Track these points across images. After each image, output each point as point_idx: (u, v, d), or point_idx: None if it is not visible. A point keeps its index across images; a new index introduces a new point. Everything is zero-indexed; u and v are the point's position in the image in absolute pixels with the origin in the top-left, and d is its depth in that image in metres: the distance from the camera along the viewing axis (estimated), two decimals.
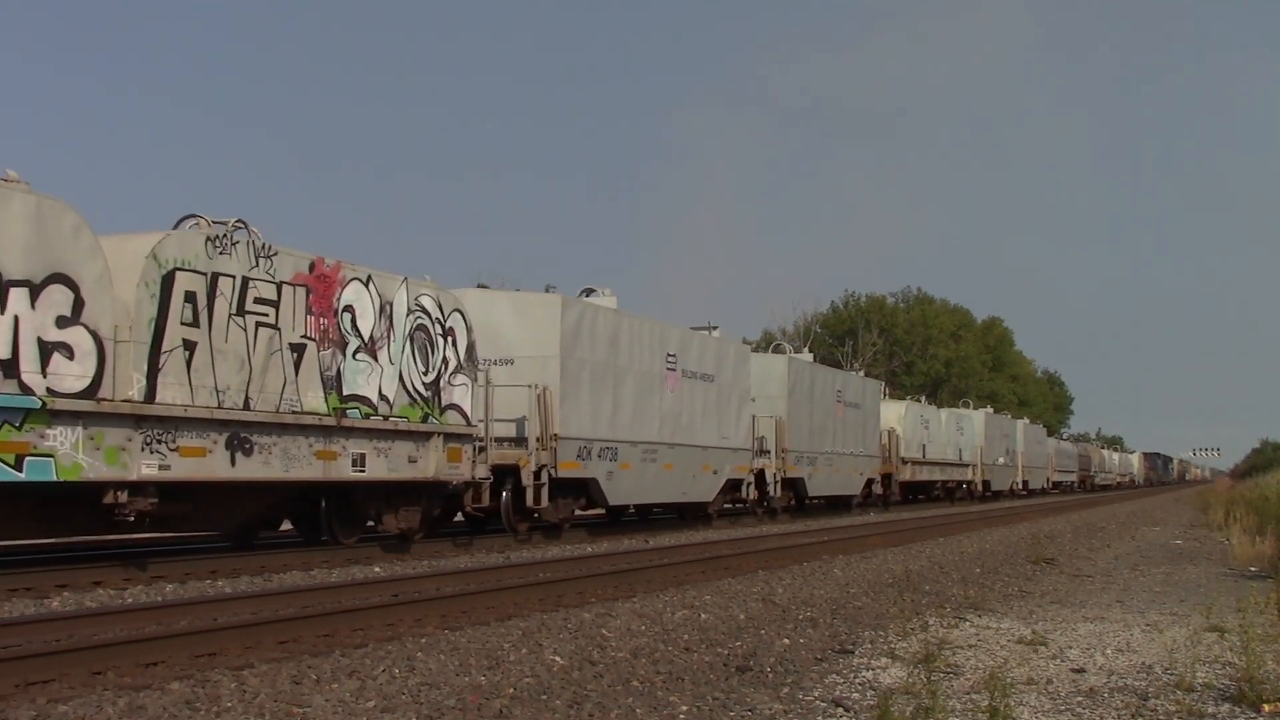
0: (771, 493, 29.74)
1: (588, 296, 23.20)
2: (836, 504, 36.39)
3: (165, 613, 10.10)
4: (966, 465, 50.11)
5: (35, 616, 9.79)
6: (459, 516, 20.87)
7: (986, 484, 52.72)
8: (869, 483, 37.45)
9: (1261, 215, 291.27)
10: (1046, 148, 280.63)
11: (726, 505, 28.81)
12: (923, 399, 50.09)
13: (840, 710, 7.23)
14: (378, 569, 15.36)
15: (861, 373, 40.07)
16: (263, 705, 6.80)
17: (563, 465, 20.30)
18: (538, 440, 19.75)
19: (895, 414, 41.94)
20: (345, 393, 15.61)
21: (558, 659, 8.57)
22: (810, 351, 40.25)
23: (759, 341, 77.21)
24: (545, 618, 10.51)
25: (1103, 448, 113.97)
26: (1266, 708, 7.27)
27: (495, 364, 19.72)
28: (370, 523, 17.51)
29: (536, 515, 20.30)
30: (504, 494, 19.41)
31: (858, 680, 8.21)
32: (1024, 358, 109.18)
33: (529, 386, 19.78)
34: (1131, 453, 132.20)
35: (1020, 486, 60.56)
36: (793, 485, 31.56)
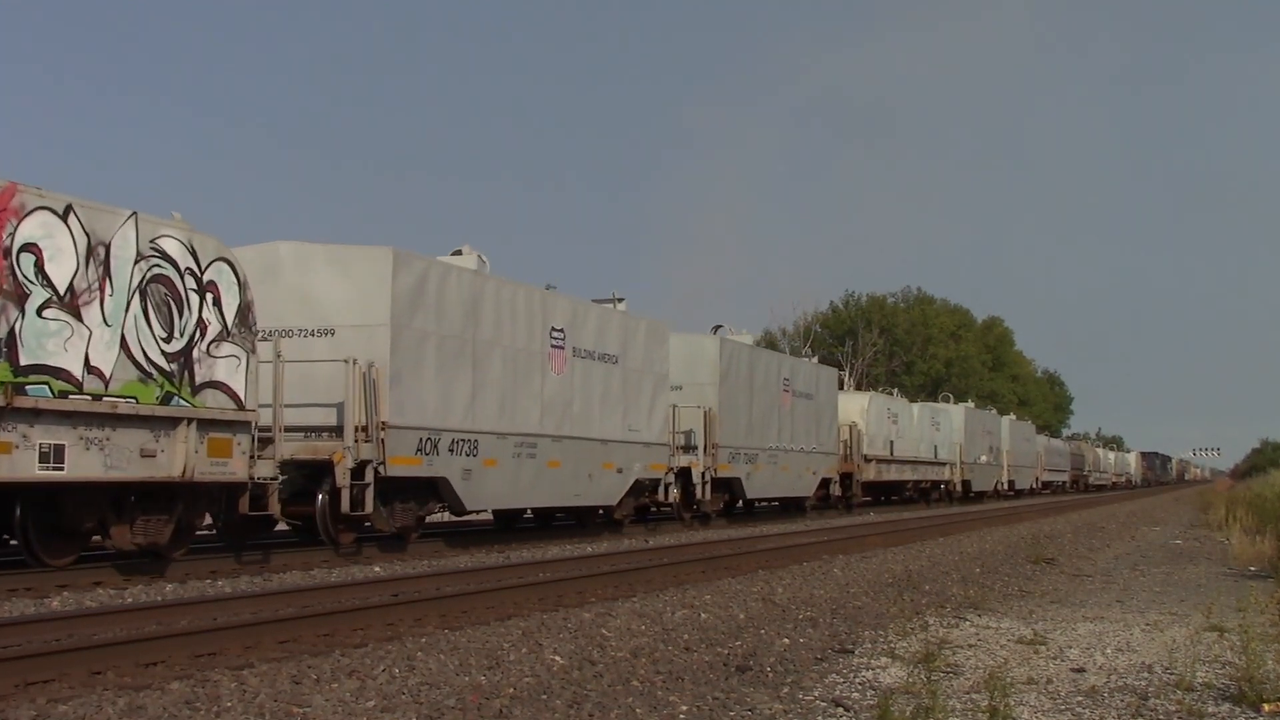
0: (699, 495, 25.98)
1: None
2: (788, 507, 33.54)
3: (165, 613, 10.10)
4: (944, 464, 46.66)
5: (35, 616, 9.78)
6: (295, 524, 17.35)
7: (967, 484, 49.65)
8: (825, 483, 34.00)
9: (1262, 215, 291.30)
10: (1047, 148, 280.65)
11: (654, 510, 26.13)
12: (895, 392, 47.51)
13: (840, 710, 7.23)
14: (378, 569, 15.36)
15: (815, 359, 35.85)
16: (263, 705, 6.80)
17: (394, 461, 16.40)
18: (359, 430, 15.94)
19: (857, 406, 38.41)
20: (24, 362, 11.61)
21: (558, 659, 8.57)
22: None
23: (758, 343, 77.29)
24: (545, 617, 10.51)
25: (1097, 446, 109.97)
26: (1266, 708, 7.26)
27: (313, 335, 16.52)
28: (96, 537, 13.62)
29: (369, 524, 16.91)
30: (320, 497, 15.83)
31: (858, 680, 8.21)
32: (1024, 358, 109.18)
33: (347, 362, 15.90)
34: (1128, 452, 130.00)
35: (1005, 487, 57.45)
36: (727, 486, 27.79)
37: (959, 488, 48.62)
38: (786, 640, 9.83)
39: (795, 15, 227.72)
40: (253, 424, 14.17)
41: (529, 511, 23.32)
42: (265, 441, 14.56)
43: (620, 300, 23.94)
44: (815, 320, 79.25)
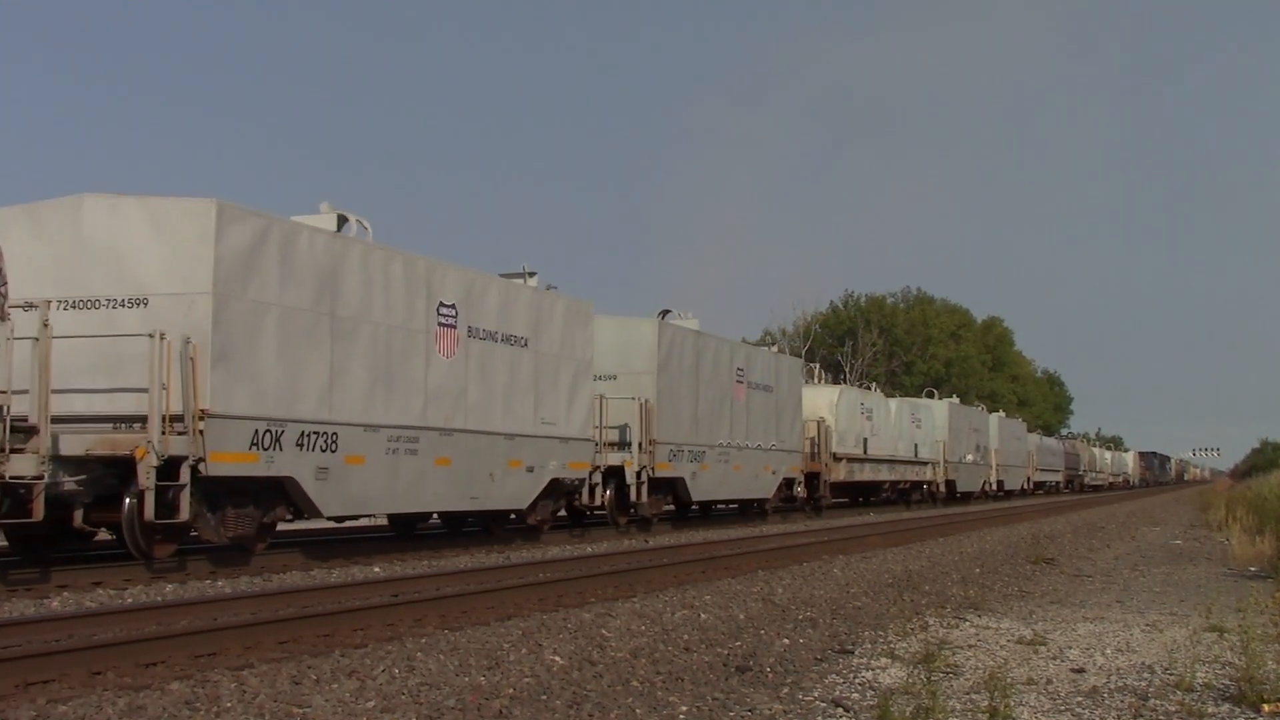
0: (634, 497, 23.24)
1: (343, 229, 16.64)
2: (749, 510, 31.07)
3: (165, 613, 10.10)
4: (925, 463, 43.95)
5: (35, 616, 9.79)
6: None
7: (951, 485, 46.98)
8: (788, 483, 31.30)
9: (1262, 215, 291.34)
10: (1048, 148, 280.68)
11: (590, 514, 23.97)
12: (874, 386, 44.68)
13: (840, 710, 7.23)
14: (378, 569, 15.36)
15: (775, 348, 32.19)
16: (263, 705, 6.80)
17: (219, 457, 13.71)
18: (170, 420, 13.27)
19: (825, 400, 35.43)
20: None
21: (558, 659, 8.57)
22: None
23: (759, 341, 77.54)
24: (545, 618, 10.51)
25: (1093, 445, 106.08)
26: (1266, 708, 7.26)
27: (122, 306, 13.98)
28: None
29: (195, 533, 14.38)
30: (126, 501, 13.25)
31: (858, 680, 8.21)
32: (1024, 358, 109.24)
33: (152, 337, 13.26)
34: (1126, 451, 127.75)
35: (994, 488, 54.74)
36: (670, 488, 25.12)
37: (942, 489, 46.20)
38: (786, 640, 9.83)
39: (795, 15, 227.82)
40: (2, 409, 11.55)
41: (435, 515, 20.59)
42: (30, 432, 12.11)
43: (532, 275, 20.98)
44: (815, 320, 79.26)
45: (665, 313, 26.82)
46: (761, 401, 29.54)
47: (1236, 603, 11.56)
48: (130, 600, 11.56)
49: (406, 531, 20.35)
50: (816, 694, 7.71)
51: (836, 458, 35.06)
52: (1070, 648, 9.77)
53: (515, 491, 19.55)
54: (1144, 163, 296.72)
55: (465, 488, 18.20)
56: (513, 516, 20.64)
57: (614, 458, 22.94)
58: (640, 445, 23.25)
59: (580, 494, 21.70)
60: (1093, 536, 26.08)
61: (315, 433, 15.19)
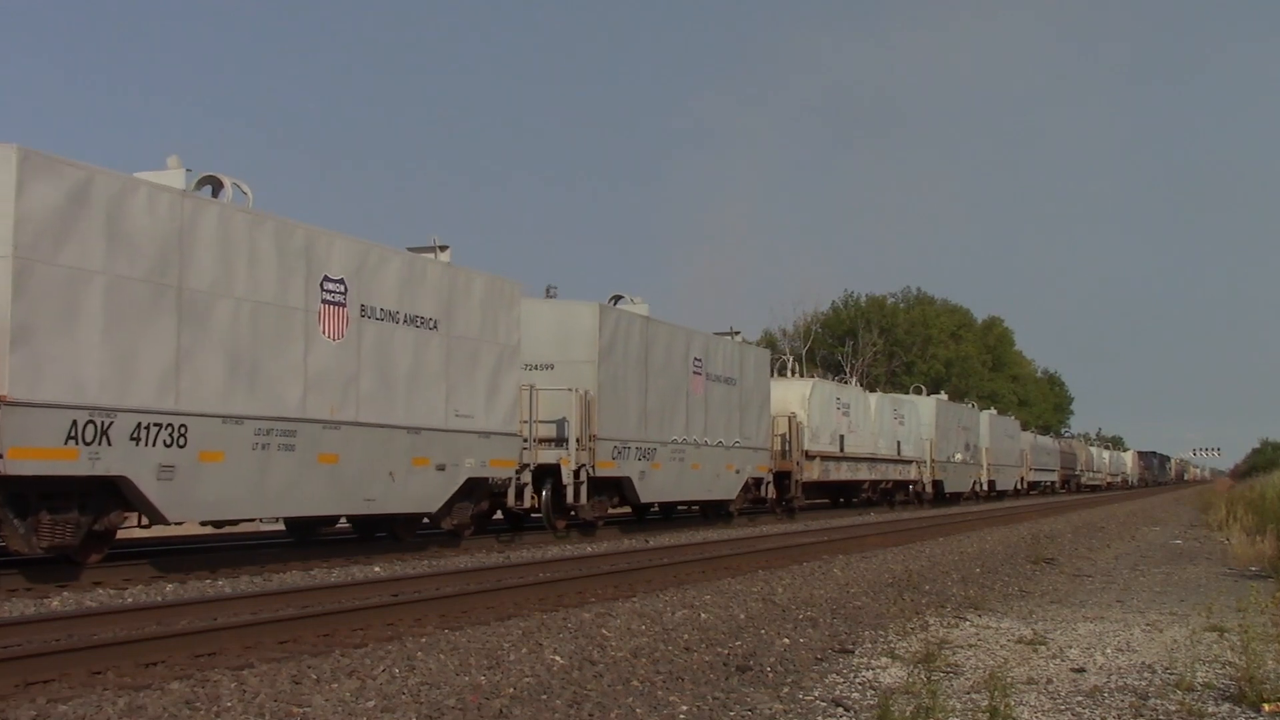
0: (570, 498, 20.85)
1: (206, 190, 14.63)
2: (710, 512, 28.50)
3: (165, 613, 10.10)
4: (909, 462, 41.65)
5: (35, 616, 9.78)
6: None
7: (938, 485, 44.69)
8: (756, 484, 28.96)
9: (1263, 215, 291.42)
10: (1048, 148, 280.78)
11: (530, 516, 21.73)
12: (855, 380, 42.93)
13: (840, 710, 7.23)
14: (378, 569, 15.36)
15: (740, 337, 29.38)
16: (263, 705, 6.80)
17: (21, 454, 11.60)
18: None
19: (797, 395, 33.09)
20: None
21: (558, 659, 8.57)
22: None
23: (759, 342, 77.56)
24: (545, 617, 10.51)
25: (1090, 444, 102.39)
26: (1266, 708, 7.26)
27: None
28: None
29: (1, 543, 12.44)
30: None
31: (858, 680, 8.21)
32: (1024, 358, 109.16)
33: None
34: (1125, 451, 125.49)
35: (985, 488, 52.41)
36: (616, 488, 22.76)
37: (929, 489, 43.93)
38: (786, 640, 9.83)
39: (795, 15, 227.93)
40: None
41: (344, 519, 18.12)
42: None
43: (444, 249, 18.06)
44: (815, 320, 79.25)
45: (617, 298, 24.30)
46: (723, 395, 27.12)
47: (1237, 602, 11.56)
48: (130, 600, 11.56)
49: (306, 538, 17.68)
50: (817, 694, 7.71)
51: (809, 456, 32.64)
52: (1070, 647, 9.77)
53: (422, 493, 17.06)
54: (1144, 163, 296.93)
55: (356, 488, 15.81)
56: (425, 521, 18.39)
57: (548, 455, 20.67)
58: (579, 441, 20.96)
59: (508, 495, 19.47)
60: (1093, 536, 26.07)
61: (156, 425, 13.04)
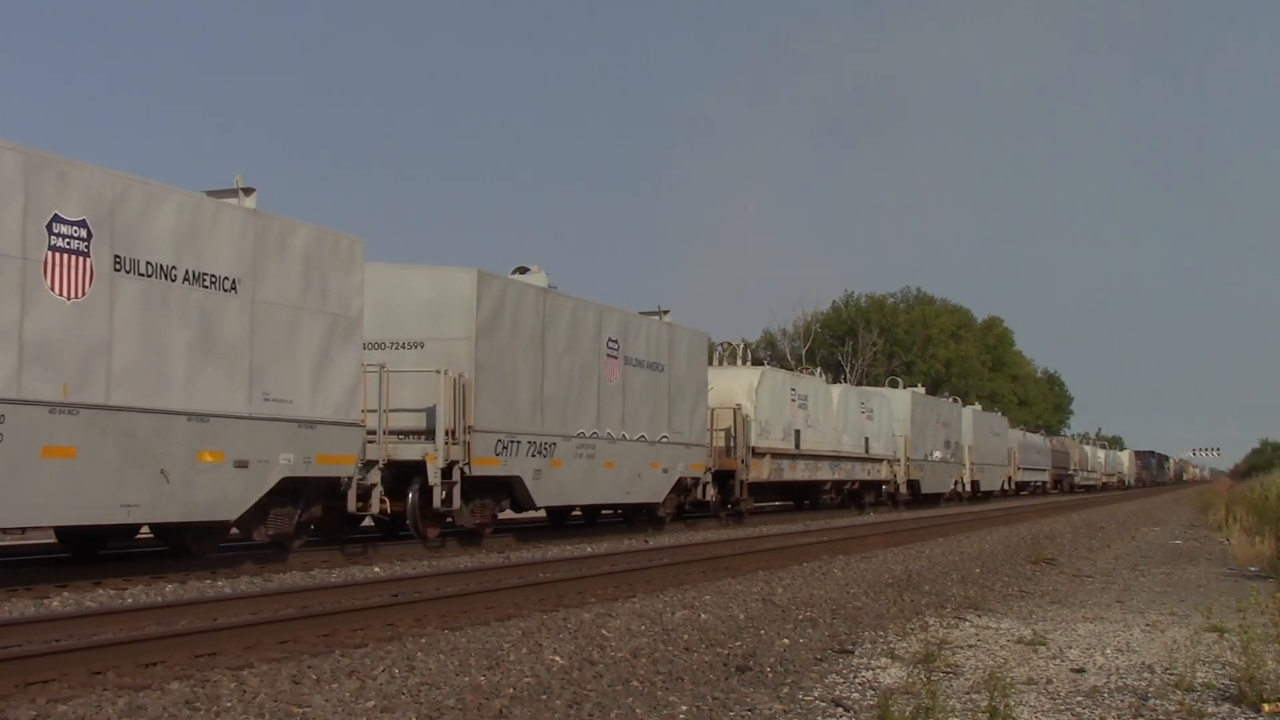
0: (439, 502, 17.33)
1: None
2: (636, 518, 24.69)
3: (165, 613, 10.10)
4: (879, 460, 38.18)
5: (35, 616, 9.79)
6: None
7: (914, 485, 41.27)
8: (694, 485, 25.69)
9: (1263, 215, 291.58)
10: (1048, 147, 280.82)
11: (407, 525, 17.95)
12: (818, 371, 38.47)
13: (840, 710, 7.23)
14: (378, 569, 15.36)
15: (668, 316, 25.49)
16: (263, 705, 6.81)
17: None
18: None
19: (744, 384, 29.44)
20: None
21: (558, 659, 8.57)
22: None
23: (759, 342, 77.74)
24: (545, 618, 10.52)
25: (1085, 443, 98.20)
26: (1266, 708, 7.27)
27: None
28: None
29: None
30: None
31: (858, 680, 8.21)
32: (1024, 358, 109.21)
33: None
34: (1121, 450, 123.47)
35: (967, 489, 49.03)
36: (504, 489, 19.38)
37: (904, 490, 40.48)
38: (786, 640, 9.83)
39: (796, 14, 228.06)
40: None
41: (147, 528, 14.92)
42: None
43: (248, 191, 14.63)
44: (815, 320, 79.30)
45: (522, 270, 20.96)
46: (646, 382, 23.59)
47: (1236, 603, 11.57)
48: (130, 600, 11.56)
49: (87, 554, 14.70)
50: (816, 694, 7.71)
51: (758, 453, 28.99)
52: (1070, 648, 9.78)
53: (213, 496, 13.77)
54: (1145, 163, 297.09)
55: (109, 491, 12.54)
56: (235, 531, 15.07)
57: (411, 450, 17.45)
58: (450, 434, 17.50)
59: (347, 497, 15.97)
60: (1092, 536, 26.08)
61: None
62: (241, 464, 14.07)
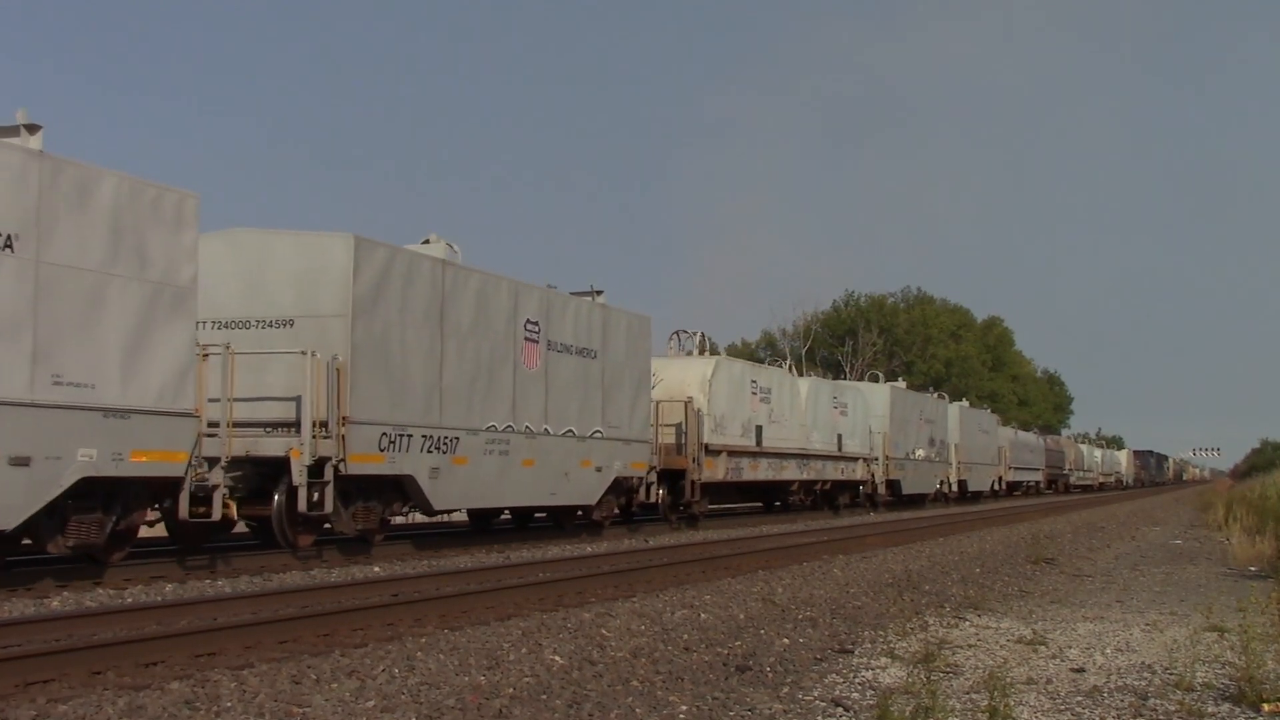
0: (310, 506, 15.00)
1: None
2: (563, 521, 22.26)
3: (165, 613, 10.11)
4: (854, 459, 35.75)
5: (35, 616, 9.79)
6: None
7: (894, 485, 38.91)
8: (637, 486, 23.29)
9: (1263, 215, 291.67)
10: (1049, 148, 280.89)
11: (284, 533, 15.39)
12: (786, 363, 36.16)
13: (840, 710, 7.24)
14: (378, 569, 15.36)
15: (601, 297, 22.93)
16: (263, 705, 6.81)
17: None
18: None
19: (696, 375, 26.79)
20: None
21: (557, 659, 8.58)
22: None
23: (759, 342, 77.81)
24: (545, 617, 10.52)
25: (1081, 442, 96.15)
26: (1266, 708, 7.27)
27: None
28: None
29: None
30: None
31: (857, 680, 8.21)
32: (1024, 358, 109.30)
33: None
34: (1120, 450, 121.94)
35: (954, 489, 46.65)
36: (396, 490, 16.92)
37: (883, 490, 38.04)
38: (786, 640, 9.84)
39: (797, 14, 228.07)
40: None
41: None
42: None
43: (33, 129, 12.02)
44: (815, 320, 79.36)
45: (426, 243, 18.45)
46: (575, 370, 21.10)
47: (1236, 602, 11.56)
48: (130, 600, 11.56)
49: None
50: (816, 694, 7.71)
51: (712, 451, 26.45)
52: (1070, 647, 9.78)
53: None
54: (1145, 162, 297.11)
55: None
56: (28, 542, 12.79)
57: (273, 446, 15.21)
58: (321, 426, 15.22)
59: (179, 501, 13.41)
60: (1093, 536, 26.08)
61: None
62: (20, 461, 11.50)
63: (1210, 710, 7.31)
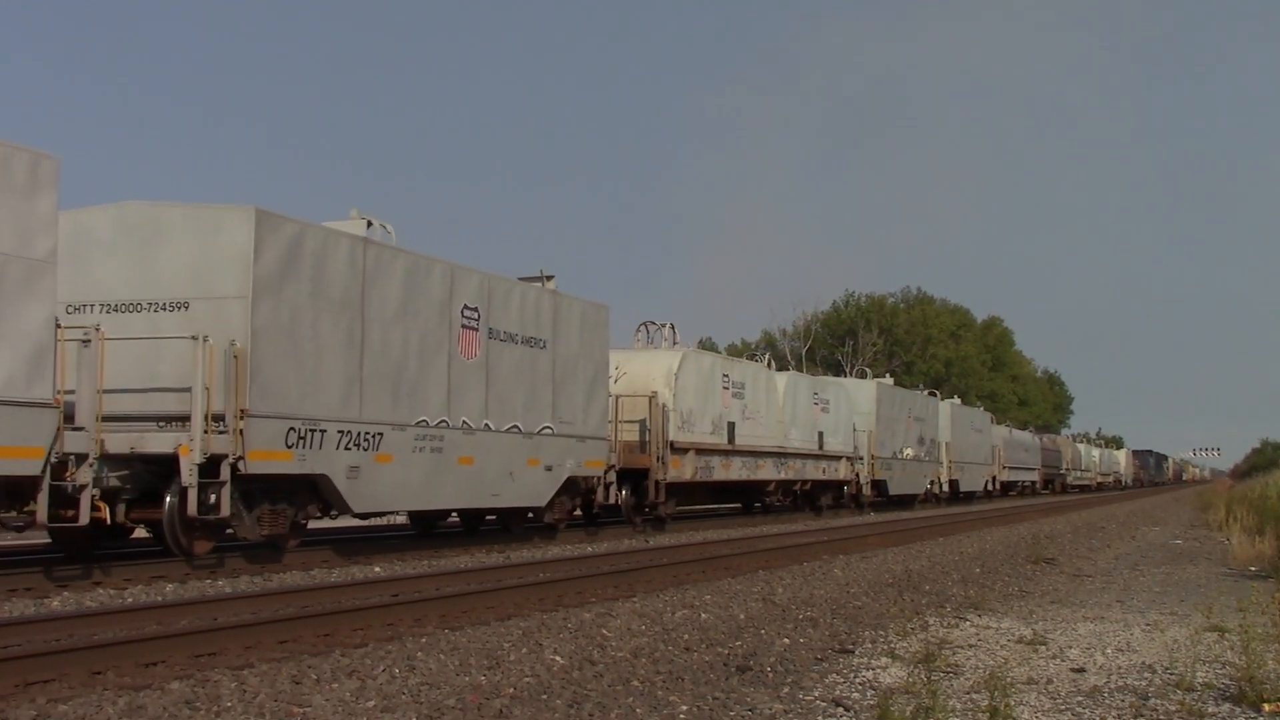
0: (203, 508, 13.59)
1: None
2: (511, 524, 20.87)
3: (165, 613, 10.11)
4: (837, 458, 34.26)
5: (35, 616, 9.79)
6: None
7: (880, 486, 37.55)
8: (595, 486, 21.77)
9: (1263, 215, 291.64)
10: (1049, 148, 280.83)
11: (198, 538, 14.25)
12: (765, 357, 34.35)
13: (840, 710, 7.23)
14: (378, 569, 15.36)
15: (551, 283, 21.31)
16: (263, 705, 6.81)
17: None
18: None
19: (661, 369, 25.11)
20: None
21: (558, 659, 8.57)
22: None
23: (759, 343, 77.80)
24: (545, 617, 10.52)
25: (1078, 442, 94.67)
26: (1267, 708, 7.26)
27: None
28: None
29: None
30: None
31: (858, 680, 8.21)
32: (1024, 358, 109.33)
33: None
34: (1118, 449, 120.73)
35: (945, 490, 45.37)
36: (310, 491, 15.46)
37: (867, 490, 36.44)
38: (786, 640, 9.83)
39: (796, 14, 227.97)
40: None
41: None
42: None
43: None
44: (815, 320, 79.39)
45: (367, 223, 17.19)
46: (521, 361, 19.57)
47: (1237, 602, 11.55)
48: (130, 600, 11.56)
49: None
50: (817, 694, 7.71)
51: (679, 448, 24.89)
52: (1070, 647, 9.77)
53: None
54: (1145, 162, 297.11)
55: None
56: None
57: (160, 441, 13.79)
58: (218, 420, 13.88)
59: (40, 504, 11.93)
60: (1093, 536, 26.08)
61: None
62: None
63: (1211, 710, 7.31)
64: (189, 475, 13.48)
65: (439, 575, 13.64)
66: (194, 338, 13.73)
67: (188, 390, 13.73)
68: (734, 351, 56.73)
